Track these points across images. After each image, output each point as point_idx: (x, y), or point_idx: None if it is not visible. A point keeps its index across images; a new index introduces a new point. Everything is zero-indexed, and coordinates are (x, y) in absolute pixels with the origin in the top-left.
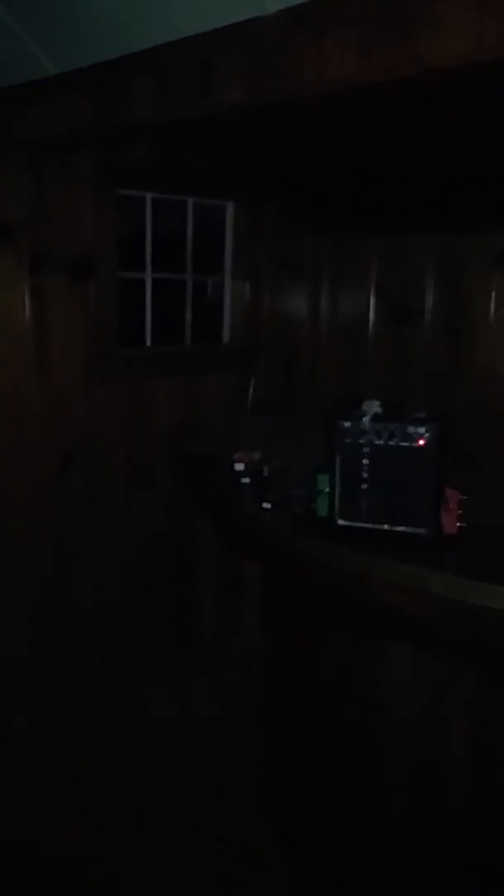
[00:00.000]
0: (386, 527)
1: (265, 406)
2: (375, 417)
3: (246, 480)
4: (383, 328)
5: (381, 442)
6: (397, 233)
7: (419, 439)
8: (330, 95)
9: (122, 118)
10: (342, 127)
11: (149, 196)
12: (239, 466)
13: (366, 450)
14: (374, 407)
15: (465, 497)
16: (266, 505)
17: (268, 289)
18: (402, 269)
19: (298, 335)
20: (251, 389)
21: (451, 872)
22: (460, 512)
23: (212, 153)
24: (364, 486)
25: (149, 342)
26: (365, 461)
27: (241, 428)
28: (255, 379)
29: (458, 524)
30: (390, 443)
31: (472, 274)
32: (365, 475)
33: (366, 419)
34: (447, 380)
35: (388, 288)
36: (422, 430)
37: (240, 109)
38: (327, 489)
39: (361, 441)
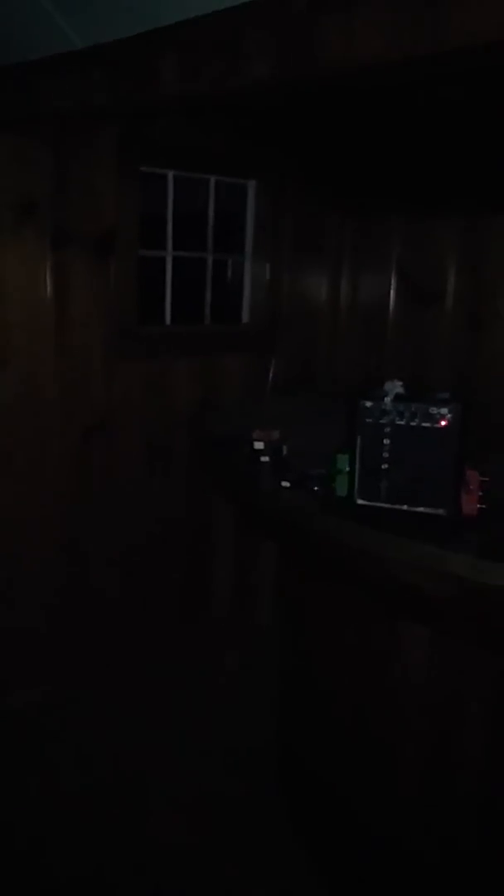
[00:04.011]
0: (405, 507)
1: (284, 386)
2: (397, 397)
3: (265, 459)
4: (404, 311)
5: (402, 422)
6: (421, 215)
7: (441, 420)
8: (358, 71)
9: (148, 93)
10: (370, 103)
11: (171, 174)
12: (258, 445)
13: (387, 430)
14: (396, 387)
15: (486, 478)
16: (285, 483)
17: (288, 269)
18: (424, 252)
19: (318, 316)
20: (272, 369)
21: (464, 852)
22: (481, 493)
23: (236, 130)
24: (384, 466)
25: (168, 321)
26: (386, 441)
27: (261, 407)
28: (275, 359)
29: (478, 506)
30: (412, 423)
31: (496, 258)
32: (385, 455)
33: (387, 399)
34: (467, 364)
35: (411, 271)
36: (444, 410)
37: (267, 85)
38: (347, 469)
39: (383, 421)
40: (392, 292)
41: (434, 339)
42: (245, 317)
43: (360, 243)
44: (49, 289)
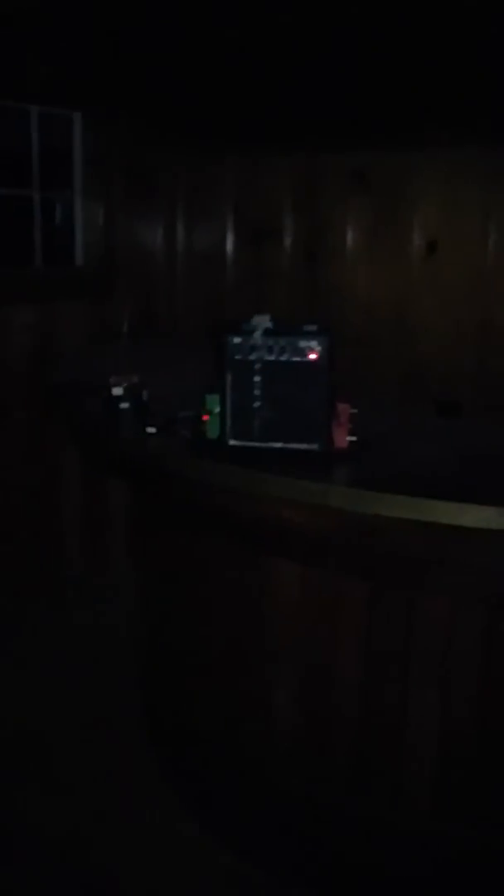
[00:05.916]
0: (279, 445)
1: (125, 332)
2: (266, 332)
3: (125, 406)
4: (242, 251)
5: (272, 357)
6: (254, 153)
7: (311, 353)
8: None
9: None
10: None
11: None
12: (116, 391)
13: (257, 366)
14: (264, 322)
15: (355, 410)
16: (150, 429)
17: (122, 208)
18: (259, 191)
19: (155, 257)
20: (127, 313)
21: (340, 789)
22: (350, 426)
23: (56, 56)
24: (256, 405)
25: None
26: (256, 378)
27: (111, 353)
28: (124, 304)
29: (348, 438)
30: (282, 358)
31: (328, 195)
32: (257, 392)
33: (257, 334)
34: (305, 301)
35: (247, 210)
36: (314, 343)
37: None
38: (217, 409)
39: (252, 357)
40: (230, 232)
41: (274, 276)
42: (79, 259)
43: (195, 182)
44: None
